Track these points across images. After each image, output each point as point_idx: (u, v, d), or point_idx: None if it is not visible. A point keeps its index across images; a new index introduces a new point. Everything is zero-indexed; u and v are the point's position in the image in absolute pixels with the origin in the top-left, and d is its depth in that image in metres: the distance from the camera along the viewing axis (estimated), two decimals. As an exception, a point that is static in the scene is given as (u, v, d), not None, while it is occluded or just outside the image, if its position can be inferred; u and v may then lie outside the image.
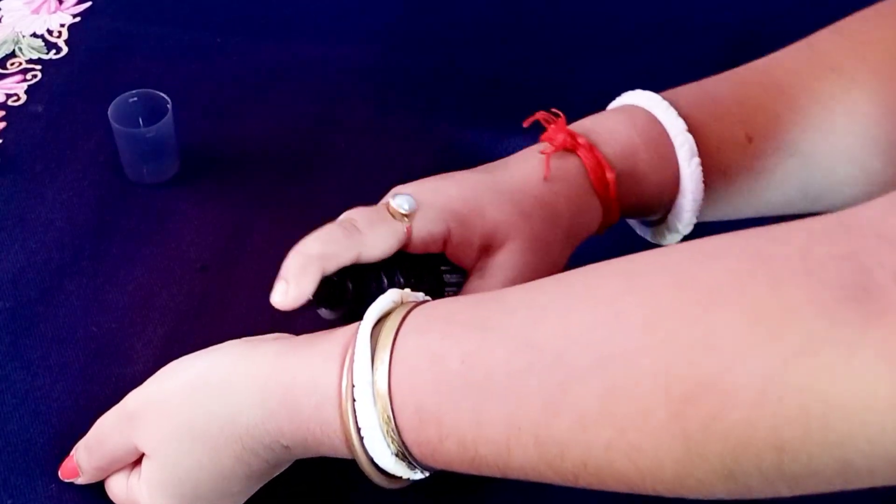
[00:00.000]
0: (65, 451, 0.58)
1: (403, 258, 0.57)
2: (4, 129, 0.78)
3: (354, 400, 0.47)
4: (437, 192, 0.58)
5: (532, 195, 0.58)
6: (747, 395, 0.38)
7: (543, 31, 0.88)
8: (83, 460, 0.56)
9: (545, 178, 0.58)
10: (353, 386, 0.47)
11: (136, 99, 0.73)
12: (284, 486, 0.55)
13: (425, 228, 0.56)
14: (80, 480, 0.57)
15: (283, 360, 0.51)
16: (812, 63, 0.62)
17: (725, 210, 0.63)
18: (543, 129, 0.60)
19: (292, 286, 0.53)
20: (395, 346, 0.48)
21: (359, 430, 0.48)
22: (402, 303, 0.51)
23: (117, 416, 0.55)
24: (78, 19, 0.87)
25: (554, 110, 0.60)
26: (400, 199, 0.56)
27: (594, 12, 0.89)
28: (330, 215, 0.72)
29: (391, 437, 0.47)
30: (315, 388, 0.49)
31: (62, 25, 0.86)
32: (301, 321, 0.66)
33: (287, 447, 0.51)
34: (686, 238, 0.63)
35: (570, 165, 0.59)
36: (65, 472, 0.57)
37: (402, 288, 0.54)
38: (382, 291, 0.53)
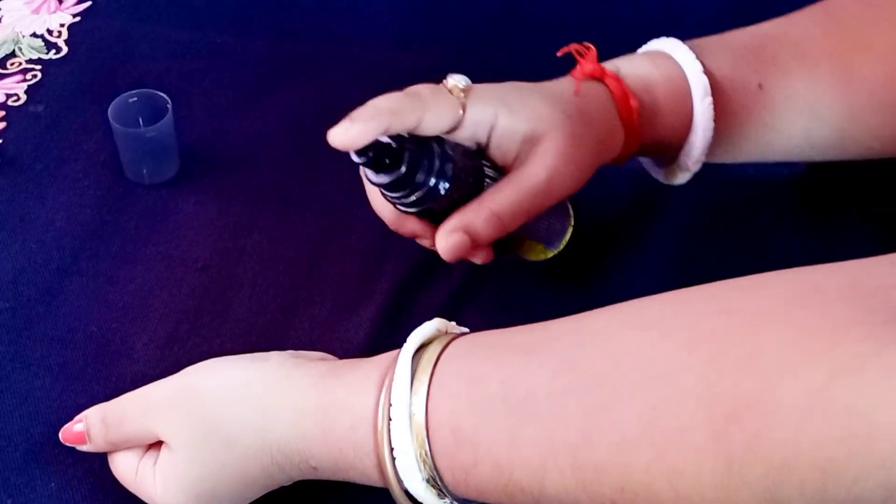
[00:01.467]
0: (65, 451, 0.58)
1: (452, 148, 0.58)
2: (4, 129, 0.78)
3: (390, 419, 0.47)
4: (488, 85, 0.60)
5: (570, 101, 0.61)
6: (792, 413, 0.37)
7: (545, 32, 0.88)
8: (97, 433, 0.55)
9: (575, 93, 0.61)
10: (391, 405, 0.47)
11: (136, 99, 0.73)
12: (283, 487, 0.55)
13: (476, 110, 0.58)
14: (84, 448, 0.56)
15: (324, 381, 0.51)
16: (828, 24, 0.64)
17: (733, 153, 0.66)
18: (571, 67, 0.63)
19: (357, 124, 0.54)
20: (435, 371, 0.48)
21: (392, 450, 0.48)
22: (445, 332, 0.51)
23: (142, 402, 0.55)
24: (78, 19, 0.87)
25: (586, 44, 0.63)
26: (456, 76, 0.59)
27: (597, 14, 0.89)
28: (330, 215, 0.73)
29: (424, 460, 0.47)
30: (351, 407, 0.49)
31: (62, 25, 0.86)
32: (299, 321, 0.66)
33: (315, 468, 0.51)
34: (696, 175, 0.67)
35: (598, 91, 0.62)
36: (69, 437, 0.56)
37: (450, 174, 0.56)
38: (433, 168, 0.56)
